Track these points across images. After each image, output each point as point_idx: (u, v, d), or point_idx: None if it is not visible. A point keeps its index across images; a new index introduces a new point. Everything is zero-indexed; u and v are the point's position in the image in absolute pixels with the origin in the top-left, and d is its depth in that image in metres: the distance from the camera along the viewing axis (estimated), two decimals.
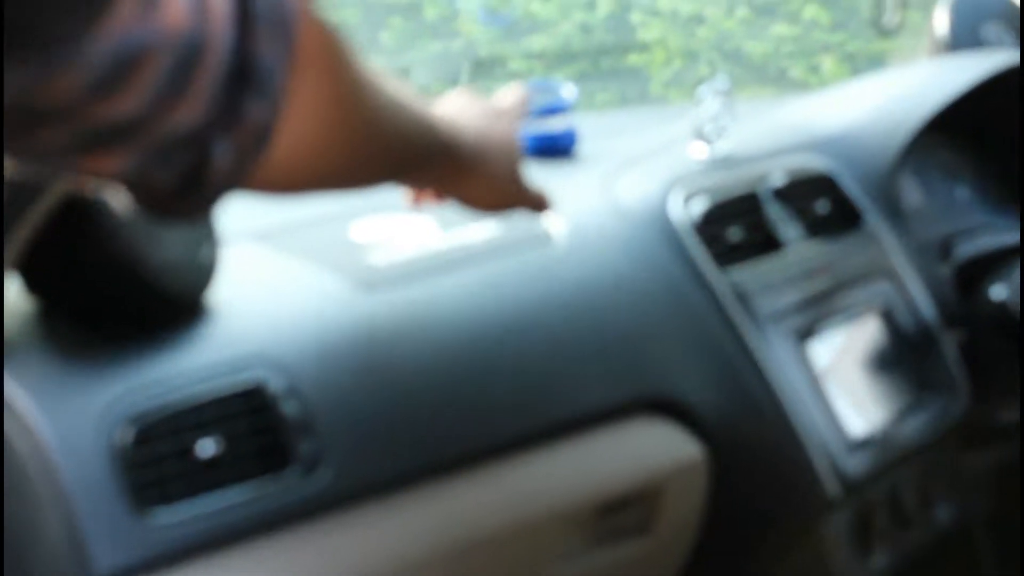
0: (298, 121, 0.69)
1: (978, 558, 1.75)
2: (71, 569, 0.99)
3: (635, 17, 8.59)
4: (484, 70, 8.51)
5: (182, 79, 0.58)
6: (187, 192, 0.65)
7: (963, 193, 1.93)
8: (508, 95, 1.21)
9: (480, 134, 1.07)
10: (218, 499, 1.06)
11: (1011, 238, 1.78)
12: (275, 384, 1.11)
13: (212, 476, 1.06)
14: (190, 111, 0.60)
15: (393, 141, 0.89)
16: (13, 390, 1.03)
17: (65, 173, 0.67)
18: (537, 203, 1.19)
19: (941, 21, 2.09)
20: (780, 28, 8.43)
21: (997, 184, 1.92)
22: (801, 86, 7.87)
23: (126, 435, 1.03)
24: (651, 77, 8.40)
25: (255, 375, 1.11)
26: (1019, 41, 1.98)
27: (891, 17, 1.39)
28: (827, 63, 8.50)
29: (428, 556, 1.17)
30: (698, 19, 8.45)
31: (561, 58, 8.61)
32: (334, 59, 0.73)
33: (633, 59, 8.50)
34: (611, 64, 8.58)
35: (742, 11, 8.24)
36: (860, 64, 8.19)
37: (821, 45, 8.56)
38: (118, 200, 1.08)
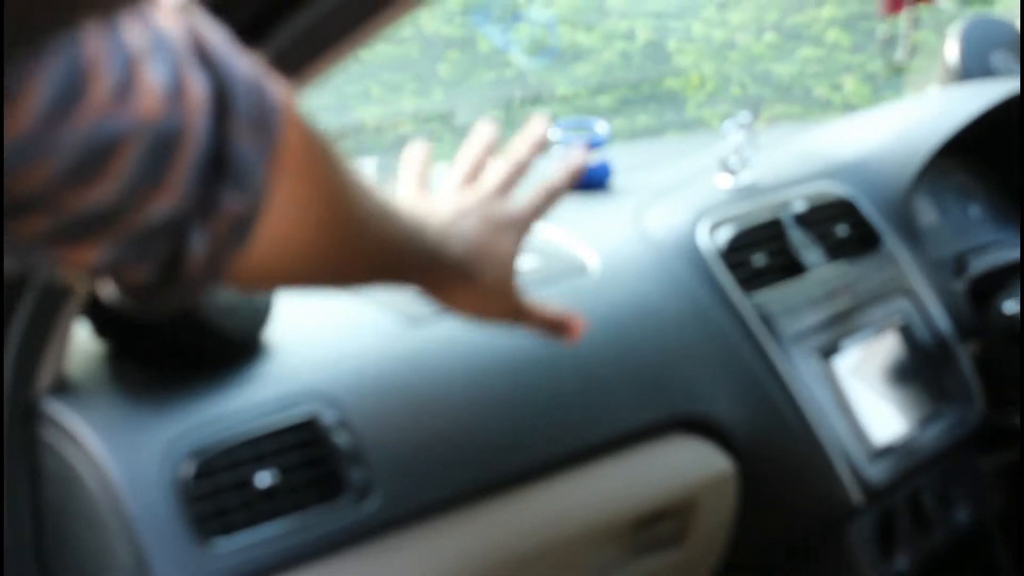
0: (279, 218, 0.67)
1: (993, 554, 1.75)
2: None
3: (671, 45, 8.93)
4: (533, 97, 8.62)
5: (157, 167, 0.56)
6: (166, 283, 0.63)
7: (975, 212, 1.92)
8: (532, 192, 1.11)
9: (476, 245, 1.01)
10: (275, 527, 1.06)
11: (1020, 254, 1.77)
12: (327, 417, 1.11)
13: (270, 506, 1.06)
14: (166, 200, 0.58)
15: (377, 246, 0.85)
16: (83, 428, 1.04)
17: (45, 265, 0.62)
18: (533, 319, 1.10)
19: (952, 50, 2.08)
20: (805, 51, 8.45)
21: (1006, 203, 1.92)
22: (825, 104, 7.90)
23: (188, 469, 1.04)
24: (687, 99, 8.61)
25: (309, 409, 1.11)
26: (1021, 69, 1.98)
27: (902, 54, 1.39)
28: (849, 82, 8.52)
29: (475, 574, 1.17)
30: (729, 45, 8.57)
31: (604, 84, 8.85)
32: (318, 159, 0.71)
33: (670, 83, 8.76)
34: (650, 89, 8.93)
35: (770, 36, 8.34)
36: (879, 83, 8.16)
37: (843, 66, 8.58)
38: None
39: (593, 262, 1.41)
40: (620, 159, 1.73)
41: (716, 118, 8.21)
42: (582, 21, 9.45)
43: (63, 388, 1.08)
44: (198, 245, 0.61)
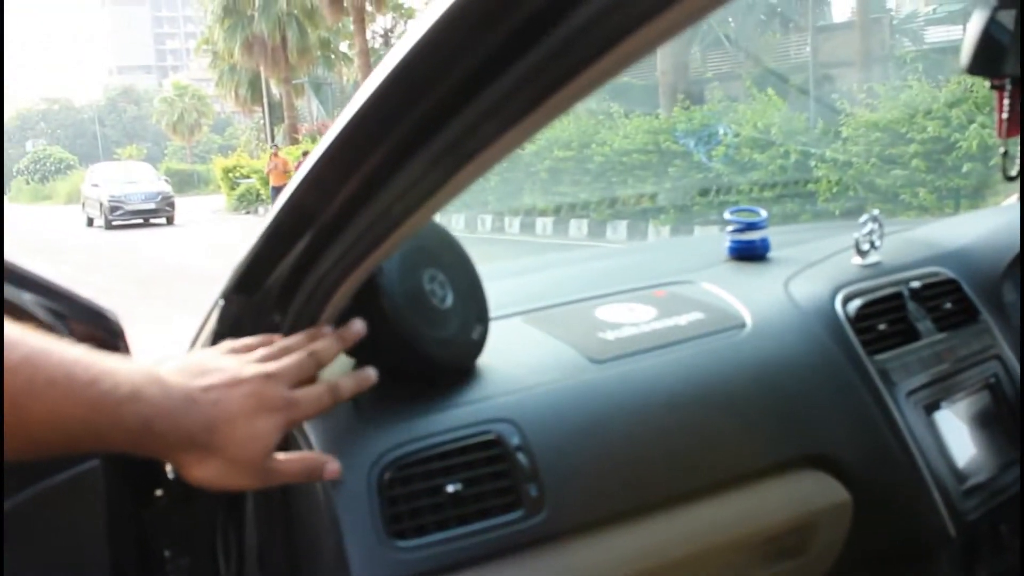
0: None
1: None
2: None
3: (812, 162, 9.93)
4: (723, 191, 9.66)
5: None
6: None
7: None
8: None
9: (226, 420, 0.70)
10: (460, 531, 0.86)
11: None
12: (511, 439, 0.91)
13: (456, 512, 0.86)
14: None
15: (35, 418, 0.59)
16: (311, 435, 0.87)
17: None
18: (285, 475, 0.76)
19: None
20: (896, 171, 8.52)
21: None
22: (907, 206, 8.16)
23: (389, 476, 0.85)
24: (819, 196, 9.66)
25: (496, 429, 0.91)
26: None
27: (1012, 169, 1.16)
28: (922, 193, 8.36)
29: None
30: (848, 164, 9.15)
31: (767, 184, 10.05)
32: None
33: (810, 187, 9.86)
34: (796, 189, 10.04)
35: (874, 161, 8.51)
36: (944, 195, 8.22)
37: (920, 181, 8.47)
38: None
39: (749, 319, 1.17)
40: (775, 238, 1.49)
41: (837, 209, 8.91)
42: (757, 146, 10.41)
43: None
44: None
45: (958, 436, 1.27)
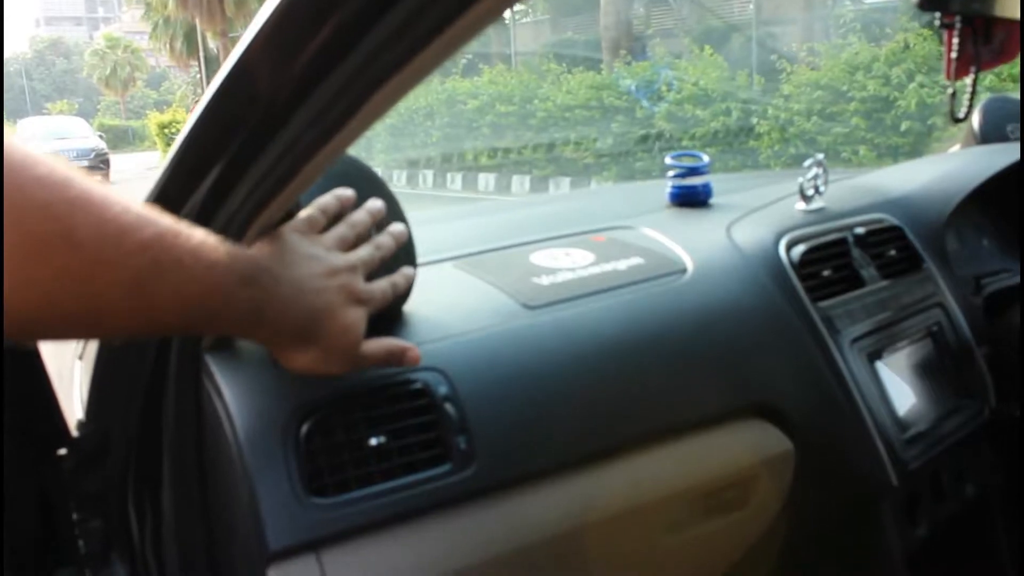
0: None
1: (995, 521, 1.44)
2: (251, 539, 0.76)
3: (753, 119, 9.96)
4: (664, 142, 9.73)
5: None
6: None
7: (990, 244, 1.62)
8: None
9: (326, 313, 0.72)
10: (384, 486, 0.80)
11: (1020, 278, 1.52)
12: (439, 388, 0.85)
13: (380, 466, 0.80)
14: None
15: (132, 275, 0.56)
16: (225, 383, 0.80)
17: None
18: (374, 359, 0.79)
19: (976, 119, 1.83)
20: (837, 128, 8.63)
21: (1011, 239, 1.63)
22: (847, 162, 8.28)
23: (308, 428, 0.78)
24: (761, 153, 9.75)
25: (423, 378, 0.85)
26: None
27: (963, 112, 1.13)
28: (863, 150, 8.48)
29: (565, 531, 0.88)
30: (789, 122, 9.69)
31: (711, 140, 10.07)
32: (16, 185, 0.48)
33: (751, 143, 9.91)
34: (738, 145, 10.04)
35: (815, 119, 8.62)
36: (883, 152, 8.35)
37: (860, 139, 8.59)
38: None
39: (690, 264, 1.13)
40: (718, 185, 1.45)
41: (778, 165, 9.01)
42: (699, 102, 10.33)
43: (223, 347, 0.83)
44: None
45: (900, 385, 1.25)
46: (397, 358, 0.80)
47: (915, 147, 8.61)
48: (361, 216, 0.83)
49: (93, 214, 0.53)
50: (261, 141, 0.66)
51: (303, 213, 0.79)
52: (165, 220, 0.58)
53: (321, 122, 0.63)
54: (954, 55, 1.18)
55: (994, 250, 1.62)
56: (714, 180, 1.45)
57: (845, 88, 9.08)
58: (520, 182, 11.93)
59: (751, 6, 12.95)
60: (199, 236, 0.61)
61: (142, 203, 0.59)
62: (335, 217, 0.81)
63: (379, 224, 0.88)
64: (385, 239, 0.83)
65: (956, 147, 1.89)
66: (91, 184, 0.53)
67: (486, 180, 12.43)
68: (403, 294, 0.91)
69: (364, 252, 0.79)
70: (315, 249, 0.75)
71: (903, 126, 8.60)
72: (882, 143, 8.94)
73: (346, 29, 0.56)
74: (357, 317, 0.75)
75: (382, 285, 0.80)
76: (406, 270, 0.86)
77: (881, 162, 8.82)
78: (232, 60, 0.65)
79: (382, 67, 0.57)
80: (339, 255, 0.77)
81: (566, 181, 11.41)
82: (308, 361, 0.73)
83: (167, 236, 0.58)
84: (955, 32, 1.16)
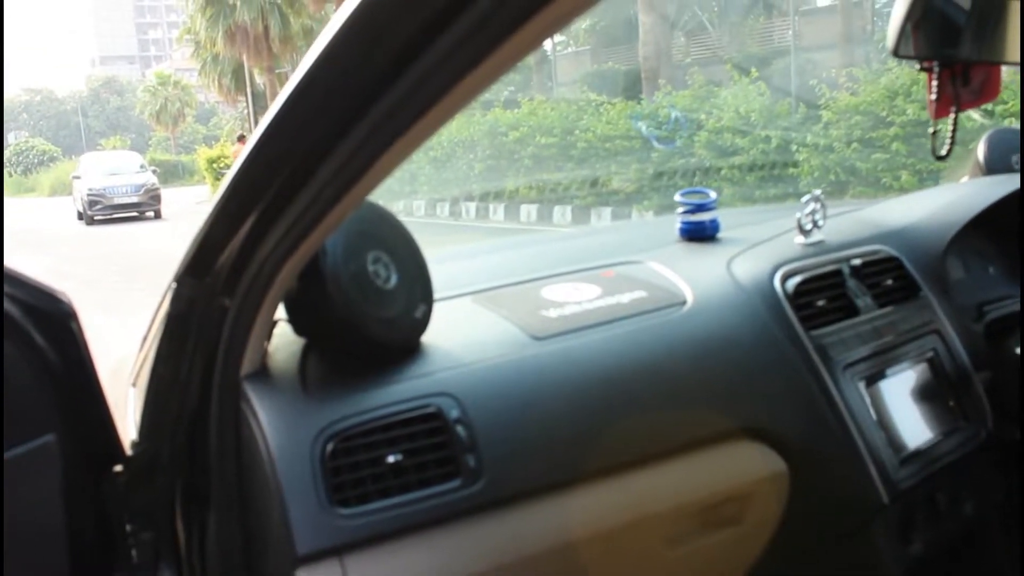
0: None
1: (996, 540, 1.49)
2: (282, 545, 0.87)
3: (793, 146, 9.89)
4: (710, 173, 9.61)
5: None
6: None
7: (991, 272, 1.67)
8: None
9: None
10: (400, 499, 0.91)
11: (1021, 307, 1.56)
12: (451, 412, 0.95)
13: (397, 481, 0.91)
14: None
15: None
16: (259, 408, 0.92)
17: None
18: None
19: (981, 151, 1.89)
20: (877, 154, 8.59)
21: (1014, 267, 1.68)
22: (888, 188, 8.18)
23: (333, 448, 0.89)
24: (801, 180, 9.64)
25: (436, 403, 0.95)
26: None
27: (944, 149, 1.20)
28: (904, 175, 8.41)
29: (569, 543, 0.97)
30: (829, 149, 9.45)
31: (751, 169, 10.07)
32: None
33: (791, 171, 9.86)
34: (778, 173, 10.02)
35: (855, 145, 8.57)
36: (925, 177, 8.26)
37: (901, 165, 8.53)
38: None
39: (690, 297, 1.22)
40: (733, 218, 1.56)
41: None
42: (739, 131, 10.40)
43: (261, 374, 0.94)
44: None
45: (897, 407, 1.32)
46: None
47: (957, 170, 8.55)
48: None
49: None
50: (291, 192, 0.76)
51: None
52: None
53: (344, 174, 0.72)
54: (934, 97, 1.25)
55: (999, 277, 1.67)
56: (725, 215, 1.52)
57: (884, 113, 9.04)
58: (562, 212, 12.01)
59: (790, 32, 12.97)
60: None
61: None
62: None
63: (396, 261, 0.98)
64: None
65: (965, 178, 1.95)
66: None
67: (528, 211, 12.53)
68: (421, 327, 1.02)
69: None
70: None
71: (946, 150, 8.54)
72: (923, 168, 8.88)
73: (363, 95, 0.64)
74: None
75: None
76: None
77: (923, 187, 8.75)
78: (264, 124, 0.75)
79: (398, 124, 0.65)
80: None
81: (607, 211, 11.46)
82: None
83: None
84: (934, 75, 1.24)
